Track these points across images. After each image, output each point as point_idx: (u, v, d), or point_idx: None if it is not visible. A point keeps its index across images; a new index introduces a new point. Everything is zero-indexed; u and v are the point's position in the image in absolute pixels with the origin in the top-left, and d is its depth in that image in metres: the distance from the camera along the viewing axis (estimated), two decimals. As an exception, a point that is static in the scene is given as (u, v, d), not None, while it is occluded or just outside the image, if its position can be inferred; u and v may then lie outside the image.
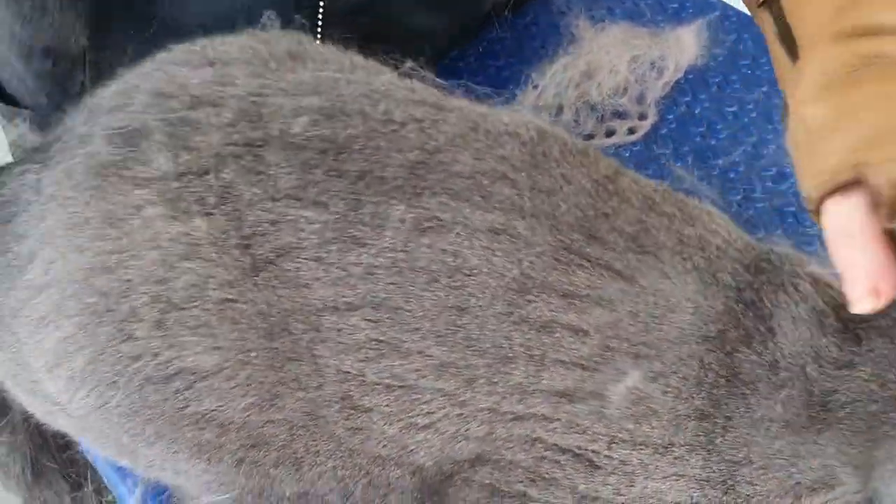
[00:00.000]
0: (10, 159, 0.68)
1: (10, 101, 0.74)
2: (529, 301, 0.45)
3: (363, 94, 0.48)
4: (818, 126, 0.44)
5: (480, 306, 0.44)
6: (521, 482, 0.46)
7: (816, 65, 0.46)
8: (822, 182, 0.43)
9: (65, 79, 0.69)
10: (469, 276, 0.44)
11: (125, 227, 0.45)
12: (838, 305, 0.45)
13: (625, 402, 0.44)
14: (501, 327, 0.44)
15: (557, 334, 0.44)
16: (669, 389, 0.44)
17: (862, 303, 0.41)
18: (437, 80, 0.56)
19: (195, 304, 0.44)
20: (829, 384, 0.43)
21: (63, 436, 0.57)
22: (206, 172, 0.46)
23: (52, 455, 0.59)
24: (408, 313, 0.44)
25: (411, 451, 0.46)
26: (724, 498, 0.44)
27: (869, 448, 0.42)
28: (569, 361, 0.44)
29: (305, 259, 0.45)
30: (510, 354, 0.44)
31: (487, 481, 0.47)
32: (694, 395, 0.44)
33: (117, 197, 0.46)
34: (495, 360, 0.44)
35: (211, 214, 0.45)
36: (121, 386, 0.45)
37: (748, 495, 0.43)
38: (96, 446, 0.51)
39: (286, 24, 0.58)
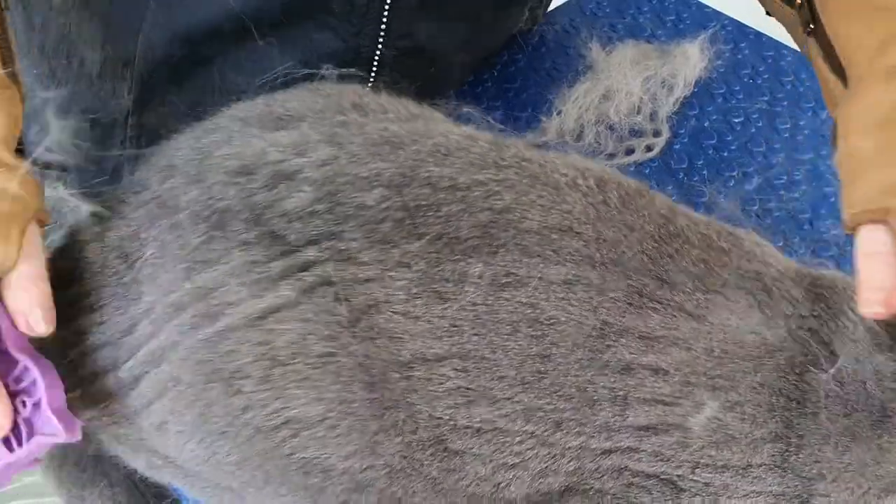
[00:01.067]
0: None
1: (46, 165, 0.75)
2: (609, 346, 0.48)
3: (429, 155, 0.51)
4: (862, 159, 0.49)
5: (563, 353, 0.48)
6: (611, 507, 0.50)
7: (870, 99, 0.50)
8: (856, 214, 0.48)
9: (104, 141, 0.71)
10: (549, 325, 0.48)
11: (220, 297, 0.48)
12: (888, 324, 0.50)
13: (705, 431, 0.48)
14: (585, 372, 0.48)
15: (639, 375, 0.48)
16: (745, 416, 0.48)
17: (873, 307, 0.46)
18: (489, 120, 0.60)
19: (297, 360, 0.47)
20: (888, 395, 0.48)
21: (157, 485, 0.61)
22: (291, 253, 0.49)
23: (147, 498, 0.62)
24: (493, 362, 0.48)
25: (503, 487, 0.50)
26: None
27: None
28: (651, 399, 0.48)
29: (394, 313, 0.48)
30: (595, 397, 0.48)
31: (579, 510, 0.51)
32: (768, 420, 0.48)
33: (208, 274, 0.49)
34: (581, 403, 0.48)
35: (295, 272, 0.48)
36: (231, 436, 0.48)
37: None
38: (202, 495, 0.55)
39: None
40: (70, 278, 0.52)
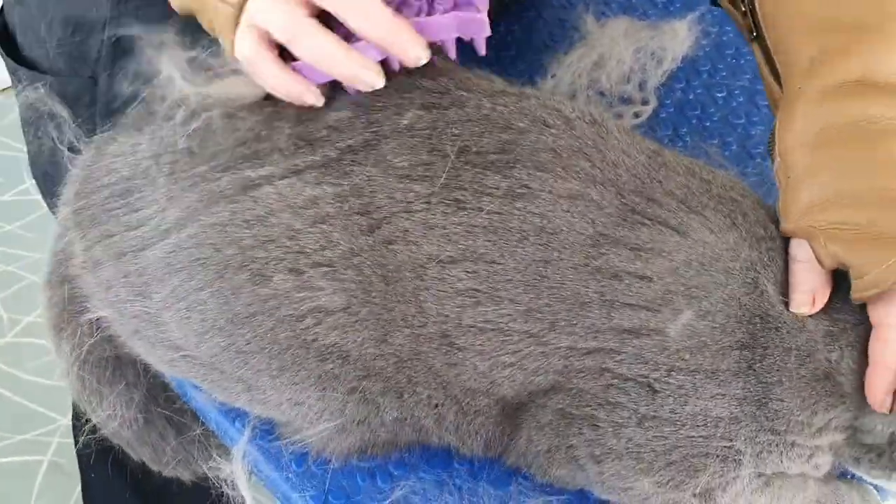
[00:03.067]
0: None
1: (31, 65, 0.78)
2: (602, 254, 0.54)
3: (456, 87, 0.57)
4: (795, 174, 0.57)
5: (562, 259, 0.53)
6: (590, 406, 0.55)
7: (803, 120, 0.57)
8: (787, 230, 0.56)
9: (83, 47, 0.74)
10: (553, 234, 0.53)
11: (253, 199, 0.53)
12: None
13: (681, 337, 0.53)
14: (579, 276, 0.53)
15: (626, 281, 0.53)
16: (716, 325, 0.53)
17: (802, 306, 0.53)
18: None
19: (326, 253, 0.52)
20: (841, 316, 0.54)
21: (171, 389, 0.65)
22: (327, 154, 0.54)
23: (160, 405, 0.66)
24: (501, 266, 0.53)
25: (498, 384, 0.55)
26: (757, 413, 0.53)
27: (866, 361, 0.52)
28: (636, 304, 0.53)
29: (414, 221, 0.53)
30: (586, 300, 0.53)
31: (559, 406, 0.55)
32: (736, 329, 0.53)
33: (248, 172, 0.53)
34: (574, 304, 0.53)
35: (336, 185, 0.53)
36: (255, 324, 0.53)
37: (776, 410, 0.53)
38: (215, 388, 0.59)
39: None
40: None
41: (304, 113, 0.55)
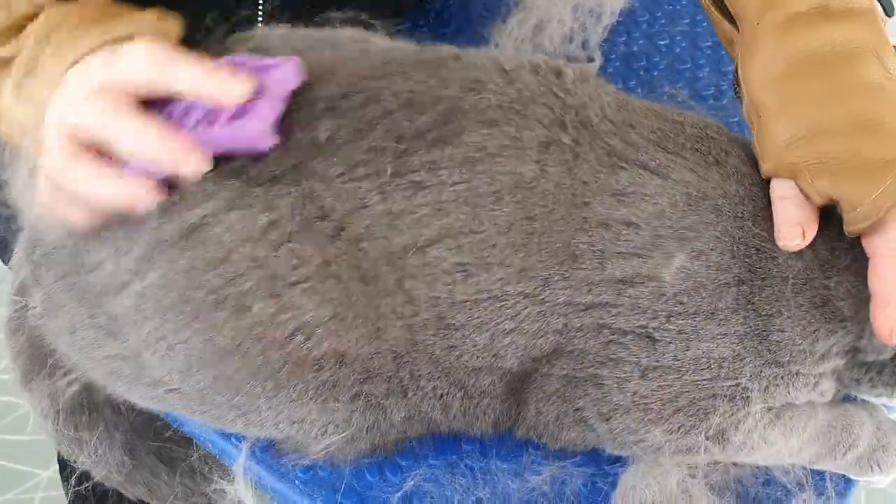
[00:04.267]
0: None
1: None
2: (587, 203, 0.52)
3: (363, 80, 0.54)
4: (767, 114, 0.55)
5: (545, 213, 0.51)
6: (593, 366, 0.54)
7: (766, 55, 0.56)
8: (768, 170, 0.55)
9: None
10: (530, 188, 0.52)
11: (212, 231, 0.50)
12: None
13: (676, 280, 0.52)
14: (567, 228, 0.52)
15: (614, 229, 0.52)
16: (711, 264, 0.52)
17: (793, 240, 0.52)
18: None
19: (300, 271, 0.50)
20: (835, 242, 0.53)
21: (159, 418, 0.62)
22: (270, 187, 0.51)
23: (147, 440, 0.64)
24: (483, 234, 0.51)
25: (500, 356, 0.53)
26: (760, 347, 0.53)
27: (864, 283, 0.52)
28: (626, 252, 0.52)
29: (374, 215, 0.51)
30: (577, 252, 0.52)
31: (564, 372, 0.54)
32: (731, 266, 0.52)
33: (195, 211, 0.51)
34: (565, 258, 0.52)
35: (286, 201, 0.51)
36: (243, 352, 0.50)
37: (778, 341, 0.52)
38: (207, 418, 0.56)
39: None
40: None
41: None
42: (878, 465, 0.58)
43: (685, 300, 0.52)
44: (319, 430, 0.54)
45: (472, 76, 0.54)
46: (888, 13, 0.70)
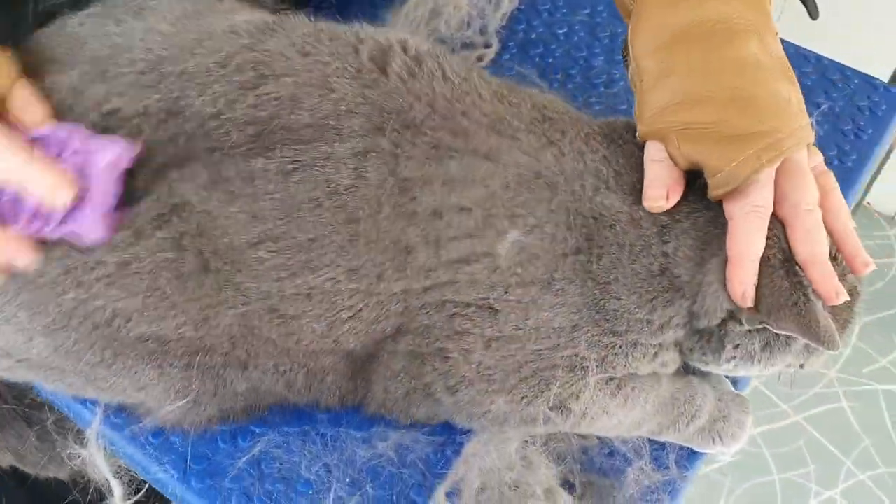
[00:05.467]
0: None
1: None
2: (414, 198, 0.53)
3: (189, 78, 0.53)
4: (647, 80, 0.57)
5: (370, 214, 0.52)
6: (438, 340, 0.54)
7: (653, 23, 0.58)
8: (642, 132, 0.57)
9: None
10: (349, 193, 0.52)
11: None
12: None
13: (511, 254, 0.53)
14: (395, 224, 0.52)
15: (446, 217, 0.53)
16: (545, 236, 0.53)
17: (657, 201, 0.54)
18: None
19: (108, 261, 0.51)
20: (676, 208, 0.55)
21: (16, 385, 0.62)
22: None
23: (8, 401, 0.64)
24: (304, 238, 0.51)
25: (341, 341, 0.54)
26: (597, 316, 0.54)
27: (702, 247, 0.53)
28: (460, 236, 0.53)
29: (195, 212, 0.51)
30: (409, 245, 0.53)
31: (410, 348, 0.55)
32: (567, 237, 0.54)
33: None
34: (398, 252, 0.52)
35: None
36: (72, 329, 0.52)
37: (615, 310, 0.54)
38: (59, 386, 0.57)
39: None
40: None
41: None
42: (720, 436, 0.59)
43: (520, 271, 0.53)
44: (163, 394, 0.55)
45: (285, 92, 0.53)
46: (812, 16, 0.72)
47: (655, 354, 0.56)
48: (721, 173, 0.53)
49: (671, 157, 0.55)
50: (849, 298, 0.52)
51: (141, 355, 0.53)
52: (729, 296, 0.52)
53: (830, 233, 0.54)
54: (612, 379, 0.56)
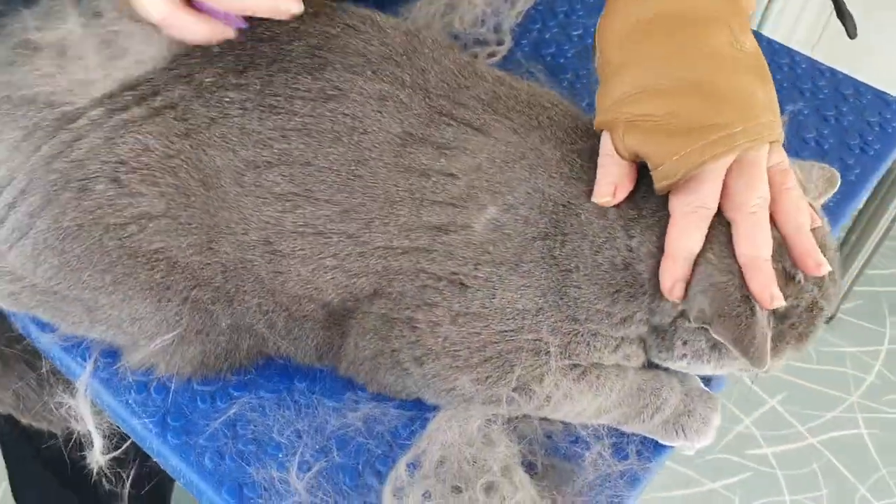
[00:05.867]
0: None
1: None
2: (410, 153, 0.56)
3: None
4: (609, 70, 0.58)
5: (373, 158, 0.55)
6: (409, 308, 0.56)
7: (620, 15, 0.59)
8: (597, 123, 0.58)
9: None
10: (364, 133, 0.56)
11: (70, 129, 0.55)
12: None
13: (486, 230, 0.55)
14: (390, 175, 0.55)
15: (433, 178, 0.55)
16: (519, 217, 0.55)
17: (604, 197, 0.55)
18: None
19: (142, 159, 0.54)
20: (644, 204, 0.56)
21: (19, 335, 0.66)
22: (148, 82, 0.56)
23: (13, 346, 0.67)
24: (316, 167, 0.55)
25: (322, 290, 0.57)
26: (560, 302, 0.55)
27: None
28: (442, 201, 0.55)
29: (230, 126, 0.55)
30: (397, 198, 0.55)
31: (382, 311, 0.57)
32: (538, 221, 0.55)
33: (57, 104, 0.55)
34: (386, 202, 0.55)
35: (148, 106, 0.55)
36: (83, 237, 0.55)
37: (575, 297, 0.55)
38: (57, 316, 0.60)
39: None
40: None
41: (108, 35, 0.56)
42: (683, 430, 0.60)
43: (491, 249, 0.55)
44: (154, 326, 0.58)
45: (354, 22, 0.59)
46: (851, 35, 0.72)
47: (617, 346, 0.57)
48: (662, 166, 0.53)
49: (616, 150, 0.55)
50: (783, 304, 0.52)
51: (142, 286, 0.56)
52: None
53: (782, 234, 0.54)
54: (576, 366, 0.57)
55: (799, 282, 0.54)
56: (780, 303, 0.51)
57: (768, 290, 0.51)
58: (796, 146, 0.84)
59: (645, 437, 0.61)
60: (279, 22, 0.58)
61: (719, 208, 0.54)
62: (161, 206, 0.54)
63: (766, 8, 1.53)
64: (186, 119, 0.55)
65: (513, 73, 0.85)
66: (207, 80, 0.56)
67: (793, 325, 0.55)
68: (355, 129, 0.56)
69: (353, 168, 0.55)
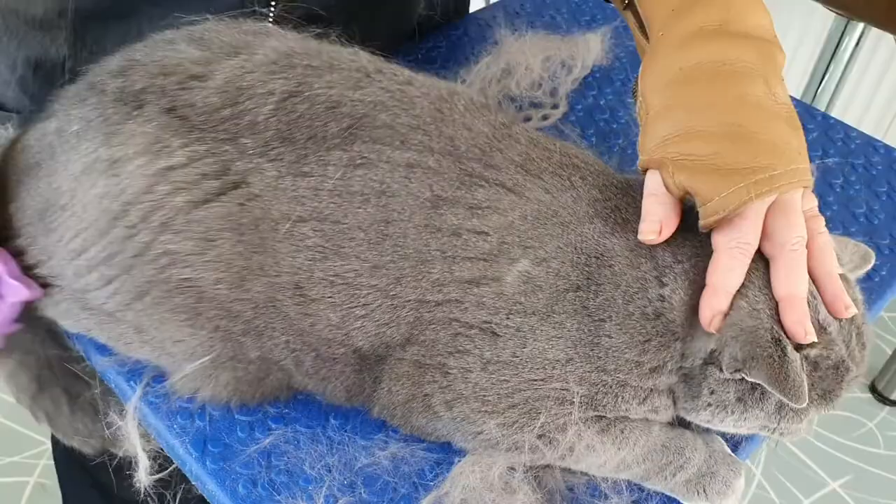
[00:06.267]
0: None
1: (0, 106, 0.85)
2: (441, 214, 0.59)
3: (316, 72, 0.63)
4: (653, 113, 0.61)
5: (402, 220, 0.58)
6: (441, 355, 0.59)
7: (662, 62, 0.62)
8: (641, 163, 0.61)
9: (46, 85, 0.81)
10: (392, 197, 0.59)
11: (125, 167, 0.59)
12: None
13: (517, 282, 0.57)
14: (421, 236, 0.58)
15: (464, 237, 0.58)
16: (550, 270, 0.57)
17: (649, 234, 0.57)
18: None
19: (172, 212, 0.58)
20: (679, 250, 0.58)
21: (67, 356, 0.70)
22: (192, 132, 0.60)
23: (54, 371, 0.72)
24: (345, 225, 0.58)
25: (351, 336, 0.59)
26: (591, 353, 0.57)
27: (699, 291, 0.56)
28: (474, 257, 0.58)
29: (266, 184, 0.59)
30: (428, 257, 0.58)
31: (415, 358, 0.60)
32: (570, 273, 0.57)
33: (118, 143, 0.60)
34: (417, 261, 0.58)
35: (192, 153, 0.59)
36: (128, 267, 0.59)
37: (606, 347, 0.57)
38: (113, 338, 0.65)
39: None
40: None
41: (177, 96, 0.61)
42: (704, 491, 0.60)
43: (522, 300, 0.57)
44: (191, 349, 0.61)
45: (383, 98, 0.62)
46: None
47: (646, 398, 0.58)
48: (711, 202, 0.55)
49: (665, 186, 0.57)
50: (815, 339, 0.54)
51: (177, 309, 0.60)
52: (710, 334, 0.55)
53: (813, 277, 0.56)
54: (601, 417, 0.59)
55: (829, 333, 0.55)
56: (812, 337, 0.53)
57: (803, 326, 0.53)
58: (847, 220, 0.84)
59: (666, 496, 0.61)
60: (316, 102, 0.61)
61: (759, 249, 0.56)
62: (187, 246, 0.58)
63: (835, 91, 1.54)
64: (225, 175, 0.59)
65: (566, 136, 0.89)
66: (250, 144, 0.60)
67: (820, 377, 0.56)
68: (383, 193, 0.59)
69: (381, 228, 0.58)
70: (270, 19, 0.80)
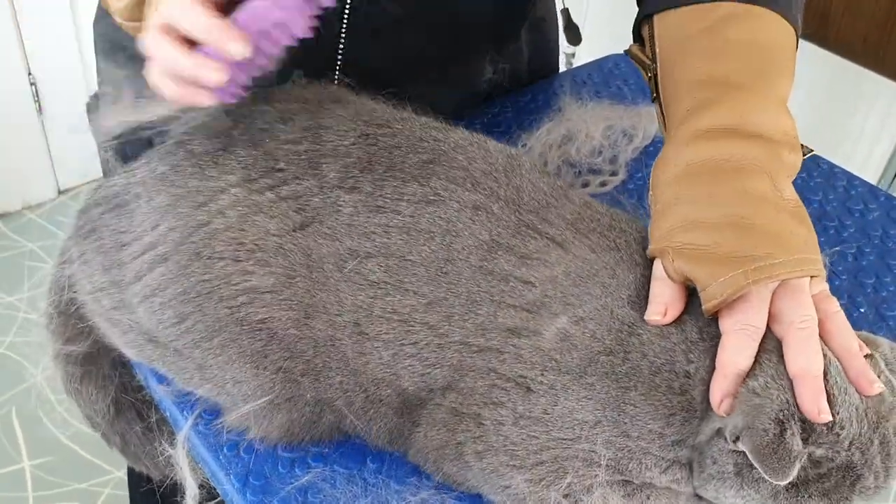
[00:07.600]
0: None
1: None
2: (495, 259, 0.62)
3: (392, 118, 0.68)
4: (660, 206, 0.65)
5: (461, 259, 0.62)
6: (477, 405, 0.61)
7: (672, 158, 0.66)
8: (650, 252, 0.63)
9: None
10: (456, 236, 0.62)
11: (212, 203, 0.64)
12: None
13: (555, 339, 0.59)
14: (474, 276, 0.61)
15: (512, 283, 0.61)
16: (587, 330, 0.59)
17: (654, 315, 0.59)
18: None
19: (260, 242, 0.62)
20: (706, 329, 0.59)
21: (139, 385, 0.75)
22: (276, 168, 0.65)
23: (130, 395, 0.76)
24: (410, 261, 0.62)
25: (399, 375, 0.62)
26: (618, 417, 0.58)
27: None
28: (518, 305, 0.60)
29: (340, 221, 0.63)
30: (477, 298, 0.61)
31: (452, 405, 0.62)
32: (605, 337, 0.59)
33: (207, 180, 0.65)
34: (467, 301, 0.61)
35: (276, 188, 0.63)
36: (200, 303, 0.63)
37: (632, 415, 0.57)
38: (174, 371, 0.68)
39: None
40: None
41: (258, 133, 0.66)
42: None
43: (558, 357, 0.59)
44: (251, 390, 0.65)
45: (463, 143, 0.68)
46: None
47: (667, 468, 0.59)
48: (709, 287, 0.57)
49: (666, 272, 0.59)
50: (830, 419, 0.53)
51: (245, 352, 0.63)
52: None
53: (836, 356, 0.56)
54: (627, 482, 0.59)
55: (840, 435, 0.54)
56: (827, 416, 0.53)
57: (817, 404, 0.53)
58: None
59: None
60: (398, 136, 0.66)
61: (771, 332, 0.57)
62: (269, 282, 0.62)
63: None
64: (304, 211, 0.63)
65: (622, 204, 0.91)
66: (331, 174, 0.64)
67: (822, 475, 0.54)
68: (449, 232, 0.62)
69: (441, 265, 0.61)
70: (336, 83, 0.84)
